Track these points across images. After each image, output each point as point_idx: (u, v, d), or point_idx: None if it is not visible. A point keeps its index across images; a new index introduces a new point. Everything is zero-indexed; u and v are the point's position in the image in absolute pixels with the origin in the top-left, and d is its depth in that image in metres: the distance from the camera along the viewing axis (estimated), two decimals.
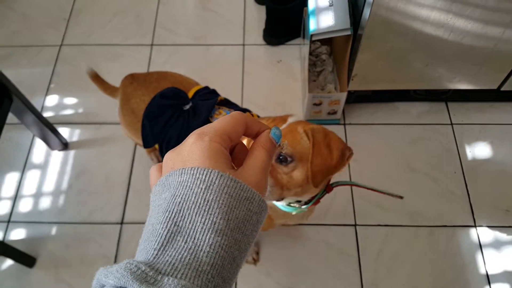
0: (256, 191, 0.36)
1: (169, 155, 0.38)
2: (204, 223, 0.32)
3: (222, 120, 0.39)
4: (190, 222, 0.32)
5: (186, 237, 0.32)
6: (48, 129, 1.64)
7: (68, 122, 1.86)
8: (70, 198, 1.68)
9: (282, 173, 0.81)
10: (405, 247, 1.52)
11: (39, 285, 1.51)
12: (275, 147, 0.41)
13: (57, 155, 1.78)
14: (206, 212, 0.32)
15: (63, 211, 1.65)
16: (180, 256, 0.31)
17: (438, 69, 1.51)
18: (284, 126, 0.86)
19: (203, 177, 0.33)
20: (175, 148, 0.38)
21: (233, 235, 0.33)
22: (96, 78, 1.48)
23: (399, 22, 1.31)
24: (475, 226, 1.55)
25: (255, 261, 1.51)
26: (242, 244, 0.34)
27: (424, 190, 1.63)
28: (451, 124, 1.77)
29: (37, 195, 1.69)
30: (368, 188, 0.99)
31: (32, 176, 1.74)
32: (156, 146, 1.28)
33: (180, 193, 0.33)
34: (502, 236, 1.53)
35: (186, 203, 0.33)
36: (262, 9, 2.06)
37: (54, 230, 1.61)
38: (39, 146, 1.80)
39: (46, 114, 1.88)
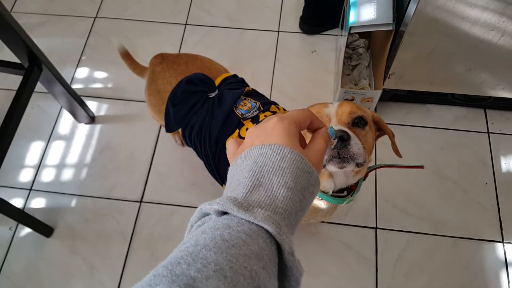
0: (315, 169, 0.46)
1: (254, 130, 0.49)
2: (279, 182, 0.42)
3: (297, 112, 0.51)
4: (269, 180, 0.42)
5: (266, 188, 0.42)
6: (75, 102, 1.64)
7: (97, 95, 1.86)
8: (92, 172, 1.68)
9: (361, 136, 0.87)
10: (425, 256, 1.47)
11: (54, 255, 1.53)
12: (330, 140, 0.53)
13: (83, 128, 1.78)
14: (280, 175, 0.43)
15: (84, 184, 1.66)
16: (263, 199, 0.41)
17: (482, 74, 1.43)
18: (336, 103, 0.91)
19: (279, 151, 0.44)
20: (258, 125, 0.49)
21: (298, 195, 0.43)
22: (126, 56, 1.46)
23: (446, 22, 1.24)
24: (502, 242, 1.48)
25: None
26: (302, 204, 0.44)
27: (452, 199, 1.56)
28: (488, 132, 1.69)
29: (60, 166, 1.70)
30: (390, 166, 1.08)
31: (57, 147, 1.75)
32: (179, 130, 1.26)
33: (261, 160, 0.44)
34: None
35: (265, 167, 0.43)
36: None
37: (74, 202, 1.62)
38: (66, 118, 1.80)
39: (75, 86, 1.88)
